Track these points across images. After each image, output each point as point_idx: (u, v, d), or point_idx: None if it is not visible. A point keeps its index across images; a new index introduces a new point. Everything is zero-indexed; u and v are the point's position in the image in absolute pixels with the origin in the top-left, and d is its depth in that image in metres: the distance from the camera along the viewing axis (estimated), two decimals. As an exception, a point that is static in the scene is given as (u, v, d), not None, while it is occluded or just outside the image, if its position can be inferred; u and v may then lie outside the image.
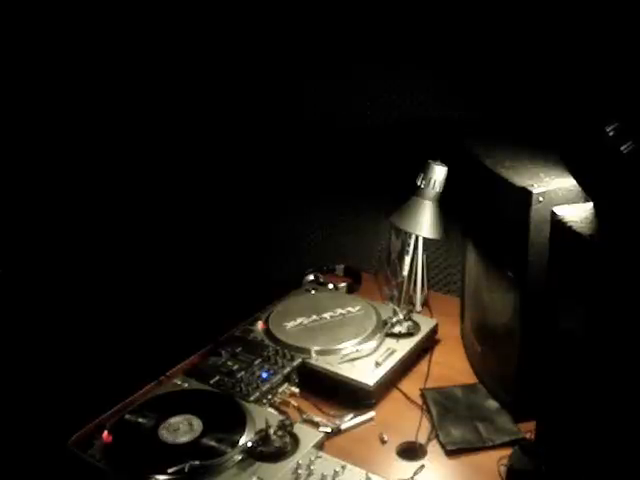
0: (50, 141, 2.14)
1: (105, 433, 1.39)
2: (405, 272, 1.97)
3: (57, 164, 2.17)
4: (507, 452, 1.39)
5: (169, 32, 2.32)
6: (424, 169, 1.85)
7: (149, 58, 2.33)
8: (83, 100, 2.29)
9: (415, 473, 1.38)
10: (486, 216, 1.62)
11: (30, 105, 2.12)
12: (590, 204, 1.18)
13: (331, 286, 2.11)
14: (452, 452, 1.45)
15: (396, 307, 1.86)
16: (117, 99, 2.33)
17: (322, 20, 2.13)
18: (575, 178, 1.21)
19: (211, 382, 1.58)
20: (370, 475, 1.29)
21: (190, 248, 2.49)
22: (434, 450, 1.47)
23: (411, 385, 1.68)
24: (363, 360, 1.66)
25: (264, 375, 1.59)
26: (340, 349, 1.69)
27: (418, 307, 2.00)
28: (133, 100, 2.40)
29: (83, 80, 2.28)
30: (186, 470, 1.28)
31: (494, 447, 1.45)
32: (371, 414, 1.56)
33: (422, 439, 1.49)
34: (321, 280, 2.16)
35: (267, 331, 1.79)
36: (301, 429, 1.42)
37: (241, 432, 1.39)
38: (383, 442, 1.49)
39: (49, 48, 2.13)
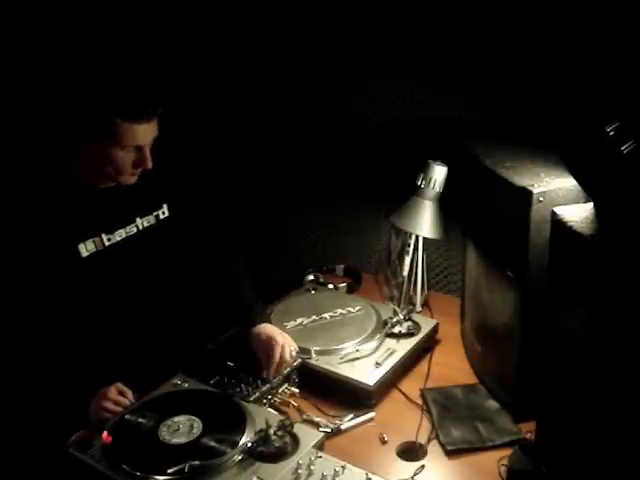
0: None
1: (105, 434, 1.39)
2: (405, 272, 1.97)
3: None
4: (507, 452, 1.39)
5: (170, 33, 2.32)
6: (424, 169, 1.85)
7: (151, 62, 2.33)
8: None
9: (415, 473, 1.38)
10: (486, 216, 1.62)
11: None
12: (590, 204, 1.18)
13: (331, 286, 2.11)
14: (452, 452, 1.45)
15: (396, 307, 1.86)
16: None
17: (322, 21, 2.13)
18: (575, 178, 1.21)
19: (211, 382, 1.58)
20: (370, 475, 1.29)
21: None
22: (434, 450, 1.47)
23: (411, 385, 1.68)
24: (363, 360, 1.66)
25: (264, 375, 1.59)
26: (340, 349, 1.69)
27: (418, 307, 2.00)
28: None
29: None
30: (186, 470, 1.28)
31: (494, 447, 1.45)
32: (371, 414, 1.56)
33: (422, 439, 1.49)
34: (321, 280, 2.16)
35: (267, 331, 1.79)
36: (301, 429, 1.41)
37: (241, 432, 1.39)
38: (383, 442, 1.49)
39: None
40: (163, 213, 1.73)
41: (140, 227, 1.67)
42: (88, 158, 1.52)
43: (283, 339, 1.64)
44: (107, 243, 1.60)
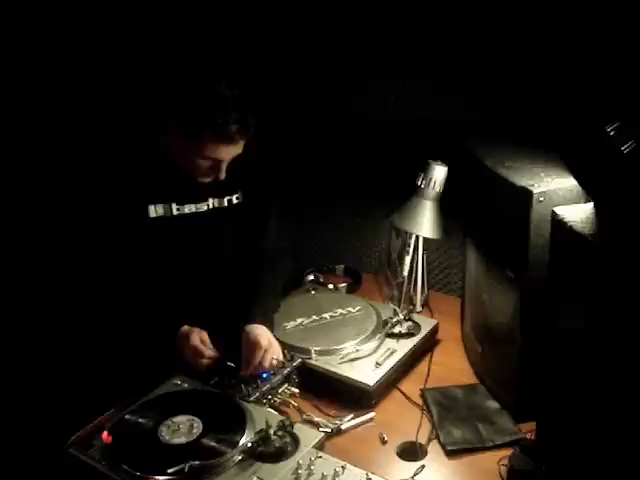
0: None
1: (105, 433, 1.39)
2: (405, 272, 1.97)
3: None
4: (507, 452, 1.39)
5: (168, 34, 2.32)
6: (424, 169, 1.85)
7: (152, 65, 2.33)
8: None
9: (415, 473, 1.38)
10: (486, 216, 1.62)
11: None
12: (590, 204, 1.18)
13: (331, 286, 2.11)
14: (452, 452, 1.45)
15: (396, 307, 1.86)
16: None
17: (323, 21, 2.13)
18: (575, 178, 1.21)
19: (211, 382, 1.58)
20: (370, 475, 1.29)
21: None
22: (434, 450, 1.47)
23: (411, 385, 1.68)
24: (363, 360, 1.66)
25: (264, 375, 1.59)
26: (340, 349, 1.69)
27: (418, 307, 2.00)
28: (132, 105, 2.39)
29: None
30: (186, 470, 1.28)
31: (494, 447, 1.45)
32: (371, 414, 1.56)
33: (422, 439, 1.49)
34: (321, 280, 2.16)
35: (267, 331, 1.79)
36: (301, 429, 1.41)
37: (241, 432, 1.39)
38: (383, 442, 1.49)
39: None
40: (237, 198, 1.80)
41: (210, 206, 1.76)
42: (174, 149, 1.63)
43: (268, 345, 1.62)
44: (175, 212, 1.71)
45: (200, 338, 1.60)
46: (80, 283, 1.67)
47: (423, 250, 1.97)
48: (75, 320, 1.69)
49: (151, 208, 1.67)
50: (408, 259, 1.96)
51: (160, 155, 1.66)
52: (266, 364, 1.60)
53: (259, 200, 1.85)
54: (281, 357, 1.64)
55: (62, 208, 1.80)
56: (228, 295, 1.79)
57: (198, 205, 1.73)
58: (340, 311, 1.86)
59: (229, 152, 1.59)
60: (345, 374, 1.61)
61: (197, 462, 1.29)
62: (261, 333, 1.64)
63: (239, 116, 1.54)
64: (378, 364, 1.64)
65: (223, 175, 1.63)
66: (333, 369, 1.63)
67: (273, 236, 1.90)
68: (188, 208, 1.72)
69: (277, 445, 1.35)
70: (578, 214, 1.14)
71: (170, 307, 1.66)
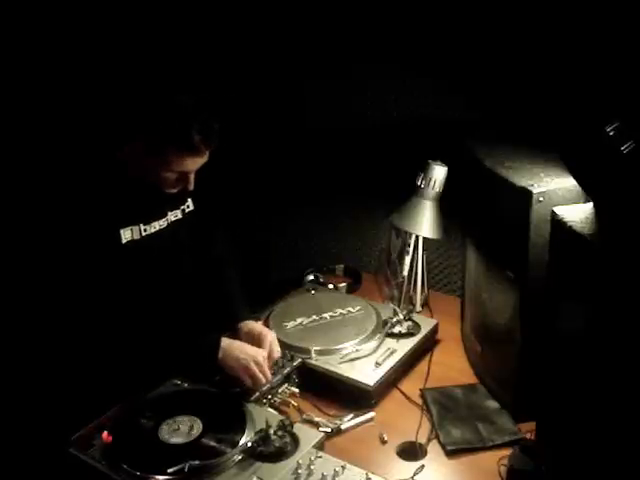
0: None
1: (105, 433, 1.39)
2: (405, 272, 1.97)
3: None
4: (507, 452, 1.39)
5: (165, 33, 2.32)
6: (424, 169, 1.85)
7: (146, 59, 2.33)
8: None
9: (415, 473, 1.38)
10: (486, 216, 1.62)
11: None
12: (590, 204, 1.18)
13: (331, 286, 2.11)
14: (452, 452, 1.45)
15: (396, 307, 1.86)
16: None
17: (322, 21, 2.13)
18: (575, 178, 1.21)
19: (211, 382, 1.58)
20: (370, 475, 1.29)
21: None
22: (434, 450, 1.47)
23: (411, 385, 1.68)
24: (363, 360, 1.66)
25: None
26: (340, 349, 1.69)
27: (418, 307, 2.00)
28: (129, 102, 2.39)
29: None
30: (186, 470, 1.28)
31: (494, 447, 1.45)
32: (371, 414, 1.56)
33: (422, 439, 1.49)
34: (321, 280, 2.16)
35: (267, 331, 1.79)
36: (301, 429, 1.42)
37: (241, 432, 1.39)
38: (383, 442, 1.49)
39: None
40: (188, 207, 1.78)
41: (169, 220, 1.73)
42: (137, 164, 1.57)
43: (272, 335, 1.66)
44: (143, 233, 1.65)
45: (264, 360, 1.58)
46: (67, 298, 1.63)
47: (423, 250, 1.97)
48: (72, 322, 1.68)
49: (122, 233, 1.60)
50: (408, 259, 1.96)
51: (118, 174, 1.59)
52: (276, 354, 1.62)
53: (208, 206, 1.84)
54: (279, 348, 1.66)
55: (35, 243, 1.70)
56: (189, 307, 1.78)
57: (161, 222, 1.70)
58: (340, 311, 1.86)
59: (195, 163, 1.54)
60: (345, 374, 1.61)
61: (197, 462, 1.29)
62: (260, 326, 1.69)
63: (201, 125, 1.48)
64: (378, 364, 1.64)
65: (192, 186, 1.59)
66: (333, 369, 1.63)
67: (221, 244, 1.90)
68: (153, 227, 1.67)
69: (277, 445, 1.35)
70: (578, 214, 1.14)
71: (147, 318, 1.62)
